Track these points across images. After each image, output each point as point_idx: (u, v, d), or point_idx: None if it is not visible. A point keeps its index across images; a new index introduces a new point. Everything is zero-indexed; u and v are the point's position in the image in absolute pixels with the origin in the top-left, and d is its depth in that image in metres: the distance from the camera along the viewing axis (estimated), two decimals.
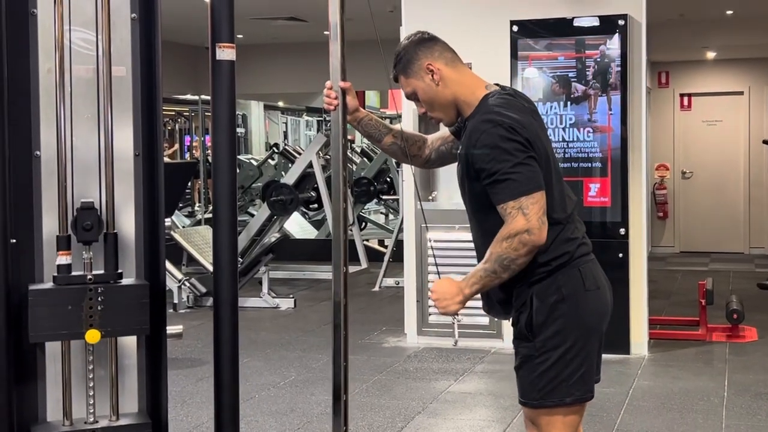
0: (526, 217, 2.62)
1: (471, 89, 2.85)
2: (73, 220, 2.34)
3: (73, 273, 2.33)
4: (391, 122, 18.65)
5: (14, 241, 2.32)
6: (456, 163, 2.93)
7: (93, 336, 2.30)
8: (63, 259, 2.32)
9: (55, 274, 2.33)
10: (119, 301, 2.33)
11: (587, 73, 6.46)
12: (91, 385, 2.38)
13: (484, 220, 2.80)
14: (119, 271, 2.37)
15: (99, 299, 2.32)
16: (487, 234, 2.79)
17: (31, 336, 2.28)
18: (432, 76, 2.85)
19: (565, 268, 2.76)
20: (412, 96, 2.92)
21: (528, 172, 2.65)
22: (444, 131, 3.14)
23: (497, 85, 2.90)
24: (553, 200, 2.75)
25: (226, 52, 2.54)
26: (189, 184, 13.40)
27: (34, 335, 2.28)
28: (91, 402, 2.38)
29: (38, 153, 2.36)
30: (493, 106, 2.76)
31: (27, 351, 2.35)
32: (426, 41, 2.89)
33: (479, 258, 2.89)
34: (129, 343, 2.46)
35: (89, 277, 2.33)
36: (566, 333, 2.74)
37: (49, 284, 2.33)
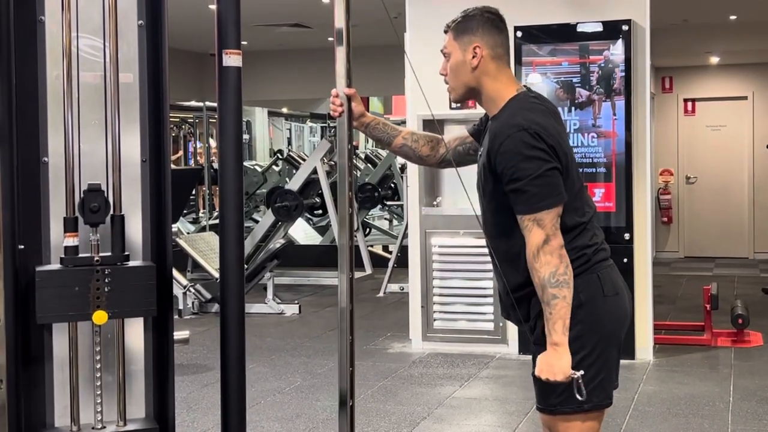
0: (542, 228, 2.62)
1: (501, 89, 2.81)
2: (80, 202, 2.33)
3: (80, 255, 2.33)
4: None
5: (22, 247, 2.34)
6: (474, 164, 2.92)
7: (100, 317, 2.30)
8: (70, 240, 2.32)
9: (62, 255, 2.32)
10: (126, 282, 2.33)
11: (591, 78, 6.47)
12: (99, 390, 2.39)
13: (500, 220, 2.78)
14: (126, 253, 2.37)
15: (106, 281, 2.31)
16: (500, 233, 2.80)
17: (38, 317, 2.27)
18: (473, 57, 2.80)
19: (584, 273, 2.74)
20: (446, 55, 2.87)
21: (548, 185, 2.63)
22: (462, 132, 3.13)
23: (525, 86, 2.88)
24: (572, 205, 2.74)
25: (232, 59, 2.54)
26: (194, 190, 13.41)
27: (42, 316, 2.28)
28: (99, 407, 2.39)
29: (46, 159, 2.37)
30: (519, 109, 2.74)
31: (35, 342, 2.35)
32: (493, 25, 2.83)
33: (492, 255, 2.89)
34: (136, 347, 2.47)
35: (96, 258, 2.33)
36: (584, 339, 2.71)
37: (56, 266, 2.33)
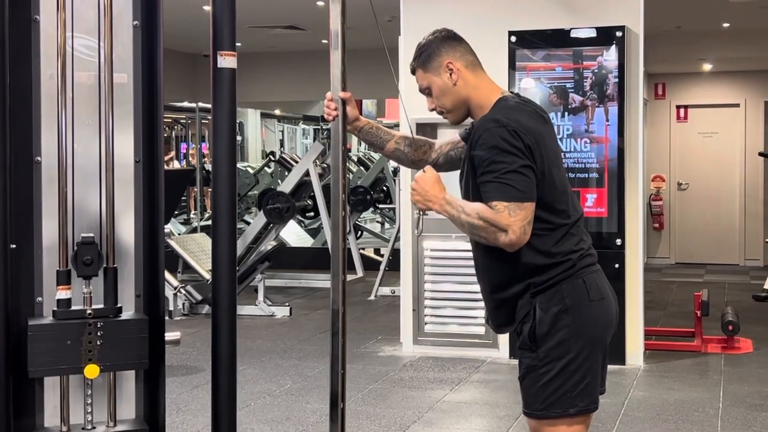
0: (511, 218, 2.63)
1: (486, 95, 2.85)
2: (74, 255, 2.34)
3: (73, 307, 2.33)
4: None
5: (14, 246, 2.33)
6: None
7: (92, 371, 2.31)
8: (63, 293, 2.32)
9: (55, 308, 2.32)
10: (118, 335, 2.34)
11: (585, 84, 6.48)
12: (89, 390, 2.38)
13: None
14: (119, 305, 2.38)
15: (98, 334, 2.32)
16: None
17: (30, 371, 2.29)
18: (450, 75, 2.84)
19: (569, 278, 2.75)
20: (425, 90, 2.92)
21: (522, 181, 2.65)
22: (455, 137, 3.15)
23: (512, 92, 2.92)
24: (555, 207, 2.75)
25: (227, 60, 2.54)
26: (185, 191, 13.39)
27: (33, 370, 2.29)
28: (89, 408, 2.38)
29: (39, 159, 2.37)
30: (504, 107, 2.78)
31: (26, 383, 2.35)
32: (451, 39, 2.89)
33: (475, 258, 2.91)
34: None
35: (89, 311, 2.33)
36: (570, 343, 2.73)
37: (48, 319, 2.33)
